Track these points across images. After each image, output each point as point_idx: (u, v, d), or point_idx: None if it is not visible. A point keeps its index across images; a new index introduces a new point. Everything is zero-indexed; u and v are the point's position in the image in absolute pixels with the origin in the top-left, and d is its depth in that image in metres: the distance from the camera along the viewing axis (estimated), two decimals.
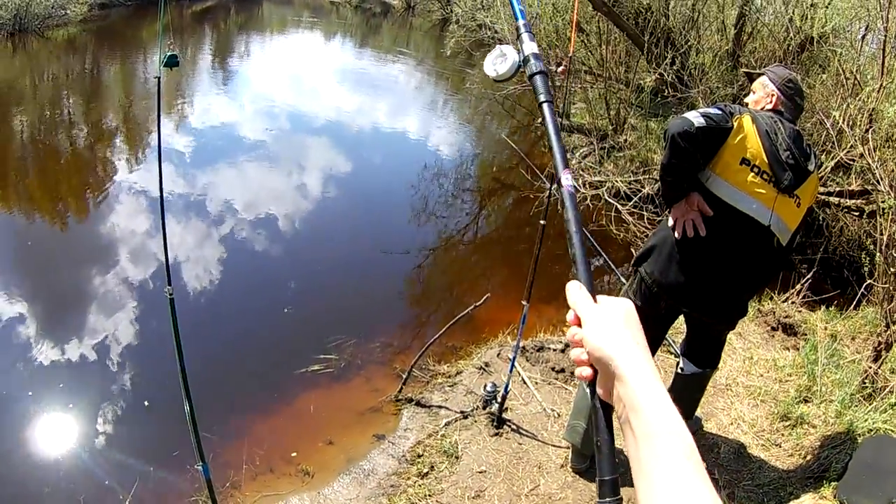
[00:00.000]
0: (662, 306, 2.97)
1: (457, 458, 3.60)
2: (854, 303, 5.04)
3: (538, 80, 1.17)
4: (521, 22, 1.26)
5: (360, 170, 8.29)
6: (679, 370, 3.46)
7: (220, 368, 4.30)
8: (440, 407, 4.03)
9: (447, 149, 9.67)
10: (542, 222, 3.55)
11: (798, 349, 4.65)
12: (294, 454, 3.76)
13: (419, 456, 3.67)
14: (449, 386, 4.21)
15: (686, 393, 3.54)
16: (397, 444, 3.80)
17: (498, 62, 1.26)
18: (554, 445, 3.72)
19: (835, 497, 3.21)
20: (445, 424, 3.87)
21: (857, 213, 6.18)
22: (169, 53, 2.28)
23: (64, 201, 6.68)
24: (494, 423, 3.79)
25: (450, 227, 7.11)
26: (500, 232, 7.48)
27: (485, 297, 3.77)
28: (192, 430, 1.99)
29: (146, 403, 4.04)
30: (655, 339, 3.16)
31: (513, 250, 6.72)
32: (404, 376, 4.15)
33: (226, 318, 5.03)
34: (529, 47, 1.21)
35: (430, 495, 3.38)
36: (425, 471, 3.54)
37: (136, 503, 3.27)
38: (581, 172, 7.91)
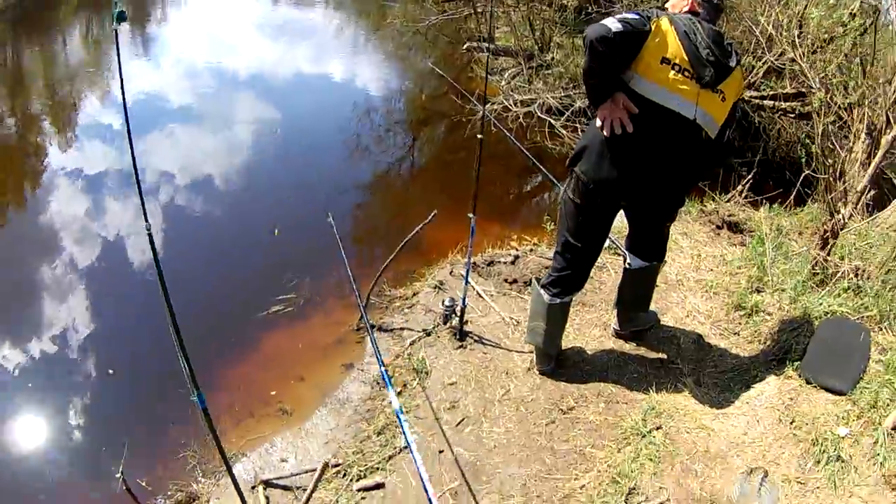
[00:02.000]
0: (599, 202, 3.04)
1: (426, 373, 3.63)
2: (796, 200, 5.14)
3: None
4: None
5: (290, 118, 8.00)
6: (627, 265, 3.53)
7: (180, 324, 4.18)
8: (402, 329, 4.04)
9: (374, 85, 9.46)
10: (479, 136, 3.54)
11: (745, 245, 4.75)
12: (273, 392, 3.75)
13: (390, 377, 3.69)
14: (407, 308, 4.22)
15: (637, 287, 3.62)
16: (367, 370, 3.81)
17: None
18: (518, 351, 3.78)
19: (800, 376, 3.35)
20: (410, 344, 3.88)
21: (793, 115, 6.31)
22: (118, 10, 2.18)
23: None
24: (457, 337, 3.82)
25: (386, 161, 7.02)
26: (437, 159, 7.42)
27: (432, 215, 3.74)
28: (183, 358, 1.91)
29: (110, 371, 3.94)
30: (599, 236, 3.24)
31: (451, 175, 6.69)
32: (362, 305, 4.13)
33: (179, 275, 4.86)
34: None
35: (406, 412, 3.41)
36: (398, 390, 3.56)
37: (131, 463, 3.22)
38: (511, 93, 7.85)
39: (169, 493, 3.19)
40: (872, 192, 4.69)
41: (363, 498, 3.07)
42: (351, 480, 3.13)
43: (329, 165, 6.75)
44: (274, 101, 8.44)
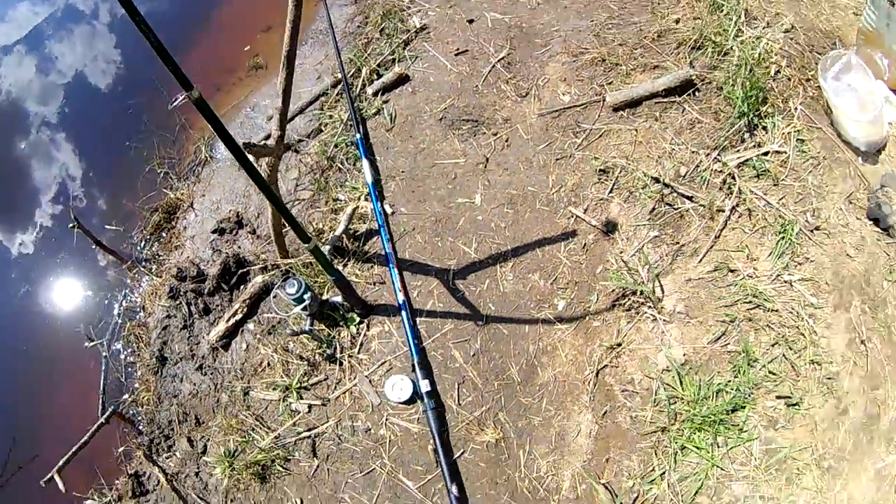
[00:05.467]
0: None
1: None
2: None
3: (430, 415, 1.69)
4: (415, 360, 1.75)
5: None
6: None
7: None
8: None
9: None
10: None
11: None
12: (247, 48, 2.95)
13: None
14: None
15: None
16: None
17: (397, 388, 1.73)
18: None
19: None
20: None
21: None
22: None
23: None
24: None
25: None
26: None
27: None
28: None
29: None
30: None
31: None
32: None
33: None
34: (424, 385, 1.71)
35: None
36: None
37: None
38: None
39: (142, 220, 2.59)
40: None
41: (385, 101, 2.19)
42: (362, 88, 2.23)
43: None
44: None
